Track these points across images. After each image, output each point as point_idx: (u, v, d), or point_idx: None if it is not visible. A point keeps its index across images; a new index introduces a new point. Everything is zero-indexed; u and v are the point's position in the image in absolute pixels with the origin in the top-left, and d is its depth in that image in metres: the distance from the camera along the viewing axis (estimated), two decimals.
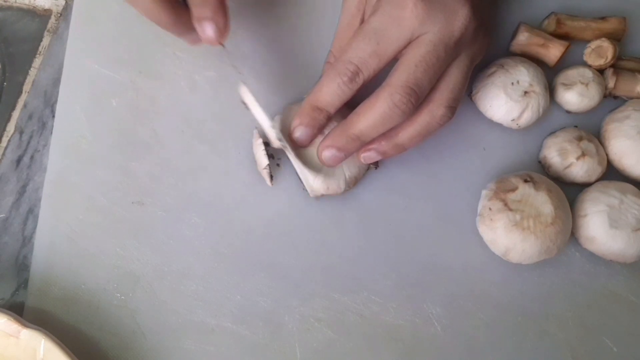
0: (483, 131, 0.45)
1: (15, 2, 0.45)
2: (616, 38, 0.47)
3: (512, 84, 0.43)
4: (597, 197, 0.42)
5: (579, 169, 0.43)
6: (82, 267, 0.39)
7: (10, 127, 0.43)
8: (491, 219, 0.41)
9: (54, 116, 0.42)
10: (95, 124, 0.42)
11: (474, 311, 0.42)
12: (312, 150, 0.41)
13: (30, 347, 0.35)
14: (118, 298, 0.39)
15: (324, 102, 0.38)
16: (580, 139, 0.44)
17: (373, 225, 0.43)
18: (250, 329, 0.40)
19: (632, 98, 0.46)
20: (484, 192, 0.43)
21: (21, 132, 0.42)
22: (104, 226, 0.40)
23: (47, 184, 0.41)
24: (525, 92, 0.43)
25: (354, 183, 0.42)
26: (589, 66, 0.46)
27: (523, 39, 0.45)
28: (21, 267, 0.40)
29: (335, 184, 0.41)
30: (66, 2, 0.45)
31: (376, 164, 0.42)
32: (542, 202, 0.41)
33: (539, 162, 0.45)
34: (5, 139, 0.42)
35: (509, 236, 0.40)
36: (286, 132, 0.40)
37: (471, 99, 0.45)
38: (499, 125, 0.45)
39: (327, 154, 0.38)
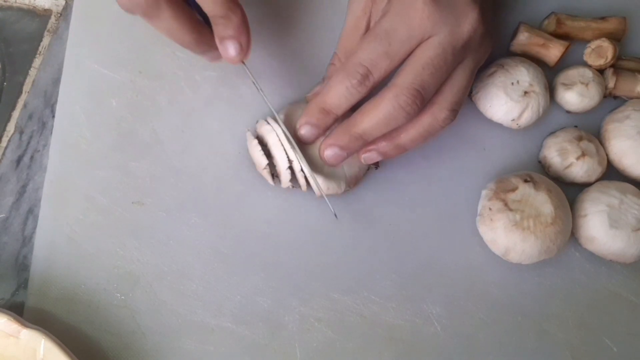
0: (483, 131, 0.45)
1: (15, 2, 0.45)
2: (616, 38, 0.47)
3: (512, 84, 0.43)
4: (597, 197, 0.42)
5: (579, 169, 0.43)
6: (82, 267, 0.39)
7: (10, 127, 0.43)
8: (491, 219, 0.41)
9: (54, 116, 0.42)
10: (95, 124, 0.42)
11: (474, 311, 0.42)
12: (313, 150, 0.41)
13: (30, 347, 0.35)
14: (118, 298, 0.39)
15: (331, 104, 0.37)
16: (580, 139, 0.44)
17: (373, 225, 0.43)
18: (250, 329, 0.40)
19: (632, 98, 0.46)
20: (483, 192, 0.43)
21: (21, 132, 0.42)
22: (104, 226, 0.40)
23: (47, 184, 0.41)
24: (525, 92, 0.43)
25: (354, 183, 0.42)
26: (589, 66, 0.46)
27: (523, 39, 0.45)
28: (21, 267, 0.40)
29: (336, 184, 0.41)
30: (66, 2, 0.45)
31: (377, 164, 0.42)
32: (542, 202, 0.41)
33: (539, 162, 0.45)
34: (5, 139, 0.42)
35: (509, 236, 0.40)
36: (291, 131, 0.40)
37: (471, 99, 0.45)
38: (499, 125, 0.45)
39: (329, 152, 0.38)
